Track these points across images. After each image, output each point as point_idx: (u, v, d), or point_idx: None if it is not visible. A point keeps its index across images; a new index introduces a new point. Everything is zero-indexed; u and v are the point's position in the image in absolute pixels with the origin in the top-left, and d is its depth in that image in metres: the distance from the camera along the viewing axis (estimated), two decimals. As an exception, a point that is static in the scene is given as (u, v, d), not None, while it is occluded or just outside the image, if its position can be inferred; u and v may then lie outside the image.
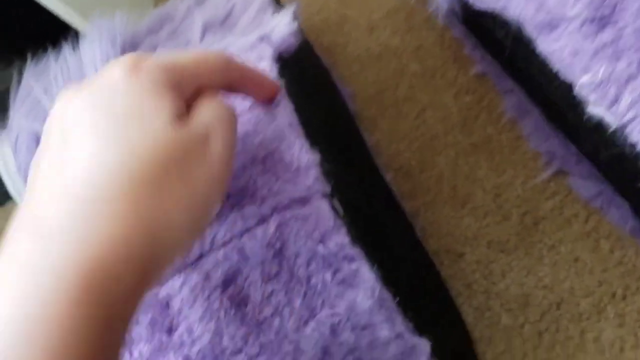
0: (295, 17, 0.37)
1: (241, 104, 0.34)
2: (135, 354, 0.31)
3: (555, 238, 0.46)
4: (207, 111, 0.25)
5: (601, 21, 0.25)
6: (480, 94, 0.53)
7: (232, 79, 0.28)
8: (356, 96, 0.58)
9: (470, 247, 0.48)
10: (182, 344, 0.30)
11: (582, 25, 0.26)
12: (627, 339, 0.42)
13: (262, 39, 0.37)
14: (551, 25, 0.28)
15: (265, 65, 0.35)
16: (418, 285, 0.42)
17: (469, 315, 0.47)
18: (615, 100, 0.25)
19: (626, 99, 0.25)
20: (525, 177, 0.48)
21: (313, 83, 0.44)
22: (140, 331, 0.31)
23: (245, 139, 0.33)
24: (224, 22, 0.41)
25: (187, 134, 0.24)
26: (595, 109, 0.26)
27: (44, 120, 0.26)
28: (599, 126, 0.28)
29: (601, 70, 0.25)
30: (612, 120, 0.25)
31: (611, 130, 0.27)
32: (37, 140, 0.39)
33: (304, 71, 0.42)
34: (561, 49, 0.27)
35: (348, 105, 0.58)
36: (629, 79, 0.25)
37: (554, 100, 0.34)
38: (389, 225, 0.43)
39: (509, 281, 0.46)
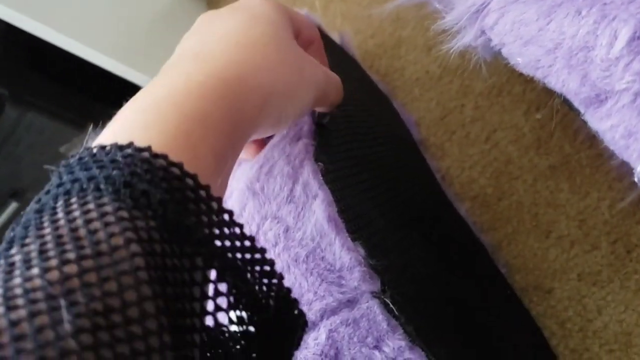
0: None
1: (279, 195, 0.33)
2: None
3: (654, 265, 0.41)
4: (312, 32, 0.35)
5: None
6: (551, 108, 0.48)
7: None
8: (420, 122, 0.55)
9: (559, 282, 0.45)
10: None
11: (634, 99, 0.22)
12: None
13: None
14: (599, 100, 0.24)
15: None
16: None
17: (566, 357, 0.43)
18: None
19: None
20: (612, 199, 0.44)
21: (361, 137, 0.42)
22: None
23: (287, 235, 0.32)
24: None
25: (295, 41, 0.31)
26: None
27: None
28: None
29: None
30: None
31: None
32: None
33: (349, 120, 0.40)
34: (613, 129, 0.24)
35: (412, 135, 0.55)
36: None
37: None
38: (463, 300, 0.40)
39: (606, 318, 0.43)
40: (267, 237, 0.33)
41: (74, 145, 0.80)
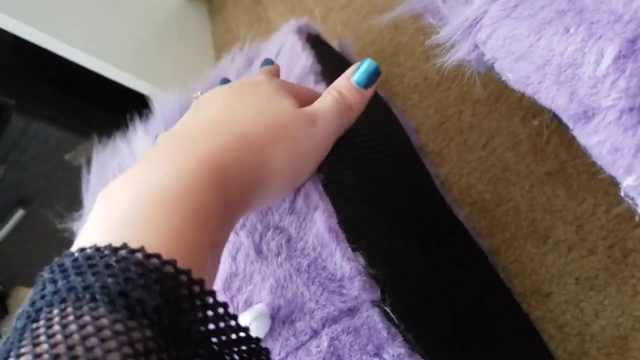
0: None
1: (281, 205, 0.34)
2: None
3: (638, 272, 0.42)
4: (318, 104, 0.33)
5: (644, 111, 0.22)
6: (548, 115, 0.49)
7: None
8: (419, 129, 0.56)
9: (557, 286, 0.46)
10: None
11: (620, 116, 0.23)
12: None
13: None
14: (586, 116, 0.25)
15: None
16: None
17: (560, 356, 0.44)
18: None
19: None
20: (608, 204, 0.45)
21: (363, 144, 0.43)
22: None
23: (289, 244, 0.33)
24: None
25: (302, 112, 0.31)
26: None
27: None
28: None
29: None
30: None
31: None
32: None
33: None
34: (600, 144, 0.24)
35: (412, 141, 0.56)
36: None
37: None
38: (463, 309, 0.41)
39: (603, 322, 0.43)
40: (269, 246, 0.34)
41: (79, 153, 0.81)
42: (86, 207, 0.47)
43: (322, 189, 0.34)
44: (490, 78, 0.53)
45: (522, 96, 0.51)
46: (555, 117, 0.28)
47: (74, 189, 0.49)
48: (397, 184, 0.43)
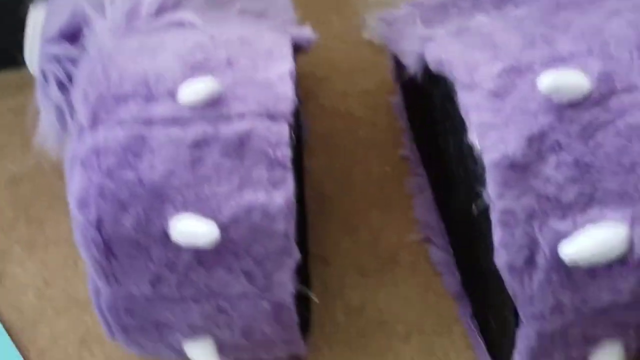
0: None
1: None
2: (103, 161, 0.41)
3: (401, 280, 0.59)
4: None
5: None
6: (398, 169, 0.68)
7: None
8: (314, 130, 0.72)
9: (337, 261, 0.61)
10: (142, 169, 0.41)
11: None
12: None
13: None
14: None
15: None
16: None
17: (314, 305, 0.58)
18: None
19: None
20: (402, 233, 0.62)
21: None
22: (115, 146, 0.41)
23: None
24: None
25: None
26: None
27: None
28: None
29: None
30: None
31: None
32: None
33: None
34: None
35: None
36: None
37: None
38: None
39: (355, 294, 0.59)
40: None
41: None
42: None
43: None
44: (381, 126, 0.72)
45: (392, 149, 0.70)
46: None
47: None
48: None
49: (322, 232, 0.64)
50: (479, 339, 0.52)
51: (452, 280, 0.58)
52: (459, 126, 0.40)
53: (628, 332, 0.38)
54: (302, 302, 0.45)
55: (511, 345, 0.40)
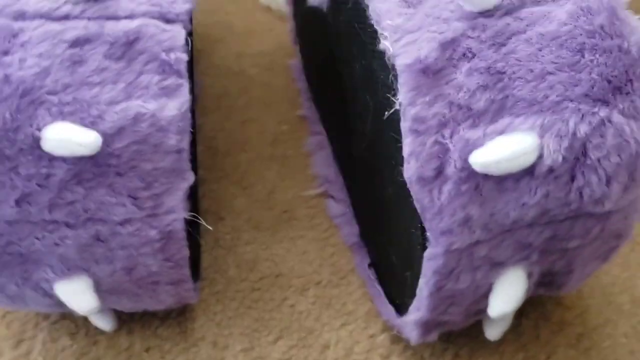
0: None
1: None
2: None
3: (297, 234, 0.56)
4: None
5: None
6: (295, 128, 0.66)
7: None
8: (206, 88, 0.69)
9: (231, 216, 0.57)
10: (9, 65, 0.35)
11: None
12: (312, 314, 0.51)
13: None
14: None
15: None
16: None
17: (205, 259, 0.54)
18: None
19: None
20: (299, 188, 0.60)
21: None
22: None
23: None
24: None
25: None
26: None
27: None
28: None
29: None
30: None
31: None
32: None
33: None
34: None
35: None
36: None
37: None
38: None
39: (249, 248, 0.55)
40: None
41: None
42: None
43: None
44: (276, 87, 0.69)
45: (288, 109, 0.68)
46: None
47: None
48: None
49: (215, 187, 0.60)
50: (378, 288, 0.50)
51: (349, 232, 0.56)
52: (368, 42, 0.39)
53: (532, 256, 0.38)
54: (190, 242, 0.41)
55: (416, 275, 0.39)
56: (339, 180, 0.59)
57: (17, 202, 0.36)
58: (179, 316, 0.51)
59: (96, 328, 0.48)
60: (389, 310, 0.47)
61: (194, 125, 0.54)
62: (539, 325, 0.50)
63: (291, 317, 0.51)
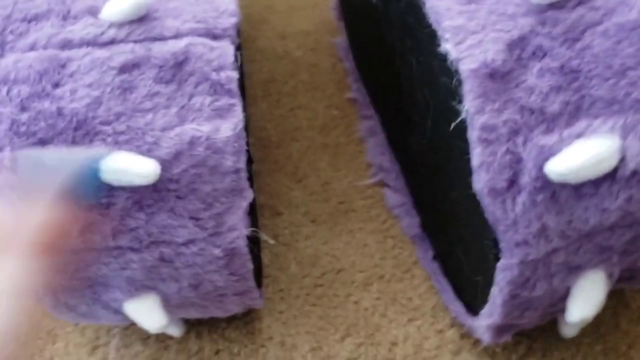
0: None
1: None
2: (14, 91, 0.35)
3: (356, 227, 0.55)
4: None
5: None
6: (345, 112, 0.64)
7: None
8: (252, 75, 0.67)
9: (289, 211, 0.57)
10: (61, 97, 0.34)
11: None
12: (378, 309, 0.50)
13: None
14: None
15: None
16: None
17: (265, 256, 0.54)
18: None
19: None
20: (353, 178, 0.58)
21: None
22: (28, 73, 0.35)
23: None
24: None
25: None
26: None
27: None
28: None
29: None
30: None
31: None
32: None
33: None
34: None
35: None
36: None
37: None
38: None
39: (308, 243, 0.55)
40: None
41: None
42: None
43: None
44: (322, 72, 0.67)
45: (335, 93, 0.66)
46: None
47: None
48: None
49: (269, 181, 0.59)
50: (445, 282, 0.49)
51: (410, 223, 0.54)
52: (425, 40, 0.36)
53: (612, 258, 0.36)
54: (252, 252, 0.40)
55: (488, 281, 0.37)
56: (394, 169, 0.57)
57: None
58: (244, 316, 0.51)
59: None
60: (458, 307, 0.46)
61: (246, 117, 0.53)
62: (618, 313, 0.48)
63: (357, 314, 0.50)
